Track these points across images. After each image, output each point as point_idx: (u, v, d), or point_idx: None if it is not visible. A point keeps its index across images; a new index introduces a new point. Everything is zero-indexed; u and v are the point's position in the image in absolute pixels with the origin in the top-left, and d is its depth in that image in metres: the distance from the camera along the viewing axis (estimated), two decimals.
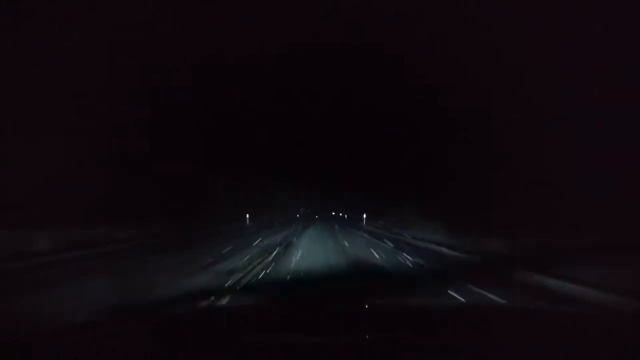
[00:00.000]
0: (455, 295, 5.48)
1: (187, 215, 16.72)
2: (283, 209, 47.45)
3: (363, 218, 30.13)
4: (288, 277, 6.39)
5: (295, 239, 16.63)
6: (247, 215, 25.63)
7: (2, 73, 8.88)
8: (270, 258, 9.54)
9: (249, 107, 27.33)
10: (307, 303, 2.51)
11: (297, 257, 9.85)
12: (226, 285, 5.60)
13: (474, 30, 11.72)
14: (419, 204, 18.72)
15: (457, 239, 12.26)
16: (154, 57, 13.36)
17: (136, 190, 13.54)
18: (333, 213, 71.77)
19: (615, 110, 7.92)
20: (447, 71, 14.15)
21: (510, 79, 10.50)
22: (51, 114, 10.16)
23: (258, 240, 14.87)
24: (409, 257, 10.34)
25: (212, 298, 4.59)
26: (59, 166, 10.08)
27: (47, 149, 10.04)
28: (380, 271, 8.00)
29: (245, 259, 9.15)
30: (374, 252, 12.10)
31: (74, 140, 10.80)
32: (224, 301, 4.47)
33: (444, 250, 11.87)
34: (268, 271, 7.13)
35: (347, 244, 14.87)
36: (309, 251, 11.75)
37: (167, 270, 6.87)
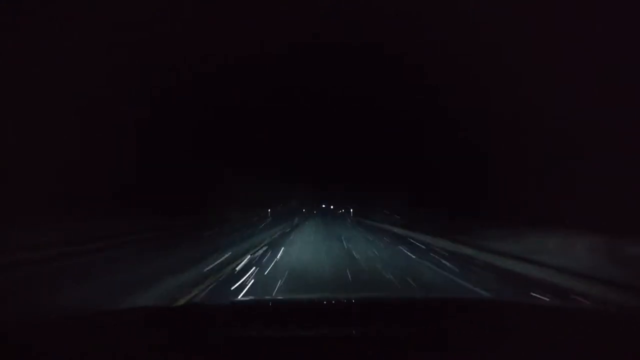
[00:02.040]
0: None
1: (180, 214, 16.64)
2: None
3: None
4: None
5: None
6: None
7: (2, 73, 8.88)
8: None
9: (249, 107, 27.36)
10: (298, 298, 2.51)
11: None
12: None
13: (474, 30, 11.72)
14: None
15: None
16: (154, 57, 13.37)
17: (133, 188, 13.51)
18: (328, 206, 68.91)
19: (615, 110, 7.92)
20: (447, 71, 14.17)
21: (510, 79, 10.50)
22: (51, 114, 10.16)
23: None
24: None
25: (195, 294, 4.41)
26: (59, 165, 10.09)
27: (48, 147, 10.05)
28: None
29: None
30: None
31: (74, 139, 10.81)
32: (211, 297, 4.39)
33: None
34: None
35: None
36: None
37: None
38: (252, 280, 5.16)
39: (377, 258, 7.69)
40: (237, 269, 6.06)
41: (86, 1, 11.00)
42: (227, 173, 25.92)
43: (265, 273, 5.75)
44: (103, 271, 6.09)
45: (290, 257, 7.55)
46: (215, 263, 6.45)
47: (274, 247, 9.18)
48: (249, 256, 7.44)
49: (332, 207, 67.18)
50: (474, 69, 12.43)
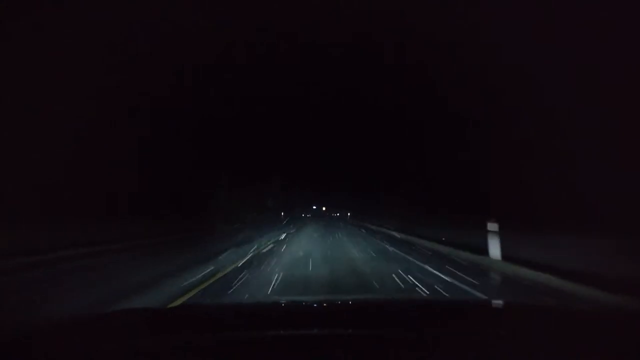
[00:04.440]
0: None
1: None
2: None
3: None
4: None
5: None
6: None
7: (2, 73, 8.87)
8: None
9: (249, 108, 27.37)
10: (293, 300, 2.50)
11: None
12: None
13: (474, 30, 11.75)
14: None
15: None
16: (155, 56, 13.36)
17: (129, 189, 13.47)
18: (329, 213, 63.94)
19: (616, 110, 7.93)
20: (447, 71, 14.19)
21: (511, 78, 10.52)
22: (53, 114, 10.15)
23: None
24: None
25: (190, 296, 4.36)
26: (62, 166, 10.07)
27: (51, 148, 10.03)
28: None
29: None
30: None
31: (76, 139, 10.79)
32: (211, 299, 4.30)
33: None
34: None
35: None
36: None
37: None
38: None
39: None
40: None
41: (86, 1, 10.98)
42: (225, 177, 25.64)
43: None
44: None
45: None
46: None
47: None
48: None
49: (323, 208, 62.24)
50: (475, 68, 12.46)
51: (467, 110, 13.33)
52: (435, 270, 6.33)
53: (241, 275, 5.69)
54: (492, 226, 6.94)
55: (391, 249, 10.23)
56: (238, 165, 27.77)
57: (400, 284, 5.17)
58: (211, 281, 5.29)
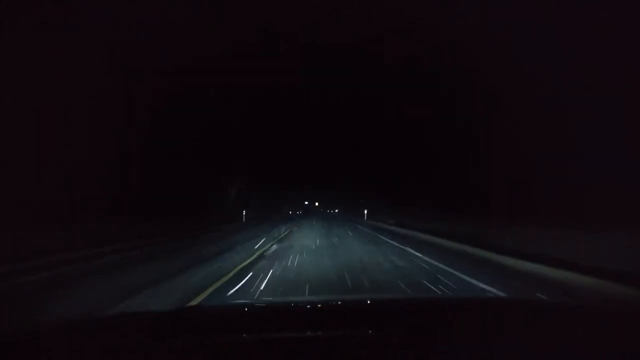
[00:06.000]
0: None
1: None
2: None
3: None
4: None
5: None
6: None
7: (2, 73, 8.85)
8: None
9: (248, 107, 27.33)
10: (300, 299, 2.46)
11: None
12: None
13: (475, 30, 11.73)
14: None
15: None
16: (155, 56, 13.35)
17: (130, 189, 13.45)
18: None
19: (616, 110, 7.93)
20: (447, 71, 14.18)
21: (511, 78, 10.52)
22: (53, 114, 10.13)
23: None
24: None
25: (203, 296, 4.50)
26: (62, 166, 10.06)
27: (51, 148, 10.01)
28: None
29: None
30: None
31: (75, 140, 10.76)
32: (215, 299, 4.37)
33: None
34: None
35: None
36: None
37: None
38: None
39: None
40: None
41: (86, 1, 10.96)
42: (220, 178, 25.39)
43: None
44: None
45: None
46: None
47: None
48: None
49: (316, 203, 58.85)
50: (475, 68, 12.45)
51: (467, 109, 13.33)
52: None
53: None
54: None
55: None
56: (236, 164, 27.33)
57: None
58: None
